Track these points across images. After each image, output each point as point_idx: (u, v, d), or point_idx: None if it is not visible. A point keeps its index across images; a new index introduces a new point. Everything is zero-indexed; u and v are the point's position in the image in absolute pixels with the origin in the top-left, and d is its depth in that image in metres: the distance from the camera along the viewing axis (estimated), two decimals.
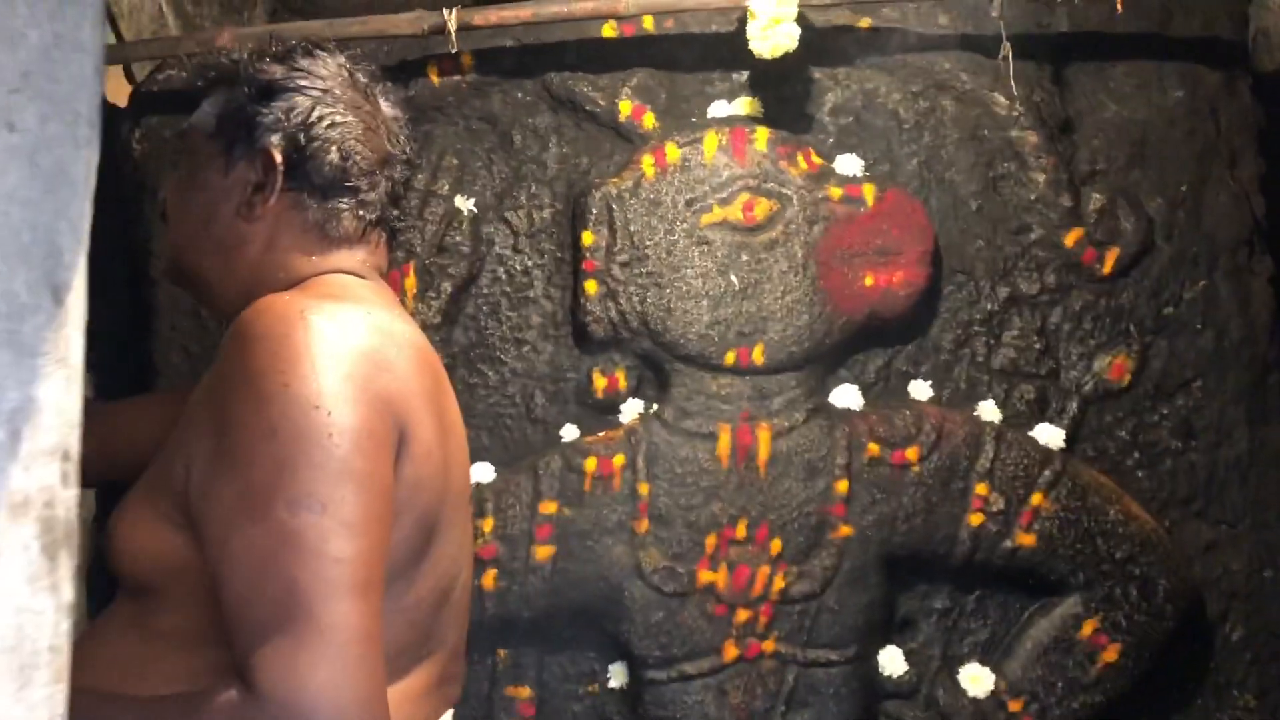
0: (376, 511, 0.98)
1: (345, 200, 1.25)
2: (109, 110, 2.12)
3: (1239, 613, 1.95)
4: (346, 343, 1.06)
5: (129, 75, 2.23)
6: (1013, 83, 1.90)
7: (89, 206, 0.87)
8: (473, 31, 1.87)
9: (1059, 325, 1.97)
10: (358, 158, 1.26)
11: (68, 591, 0.86)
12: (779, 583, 1.85)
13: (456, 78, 1.97)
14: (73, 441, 0.85)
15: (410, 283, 1.94)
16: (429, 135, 1.98)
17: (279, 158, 1.23)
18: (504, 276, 1.97)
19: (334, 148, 1.24)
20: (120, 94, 2.12)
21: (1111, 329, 1.96)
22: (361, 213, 1.26)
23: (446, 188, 1.97)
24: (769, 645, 1.85)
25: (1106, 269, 1.96)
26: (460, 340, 1.96)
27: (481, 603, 1.86)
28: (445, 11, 1.76)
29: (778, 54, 1.77)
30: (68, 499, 0.85)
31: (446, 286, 1.94)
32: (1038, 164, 1.97)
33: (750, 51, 1.81)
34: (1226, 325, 1.97)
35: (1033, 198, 1.97)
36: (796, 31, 1.76)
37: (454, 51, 1.77)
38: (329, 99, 1.26)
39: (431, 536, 1.11)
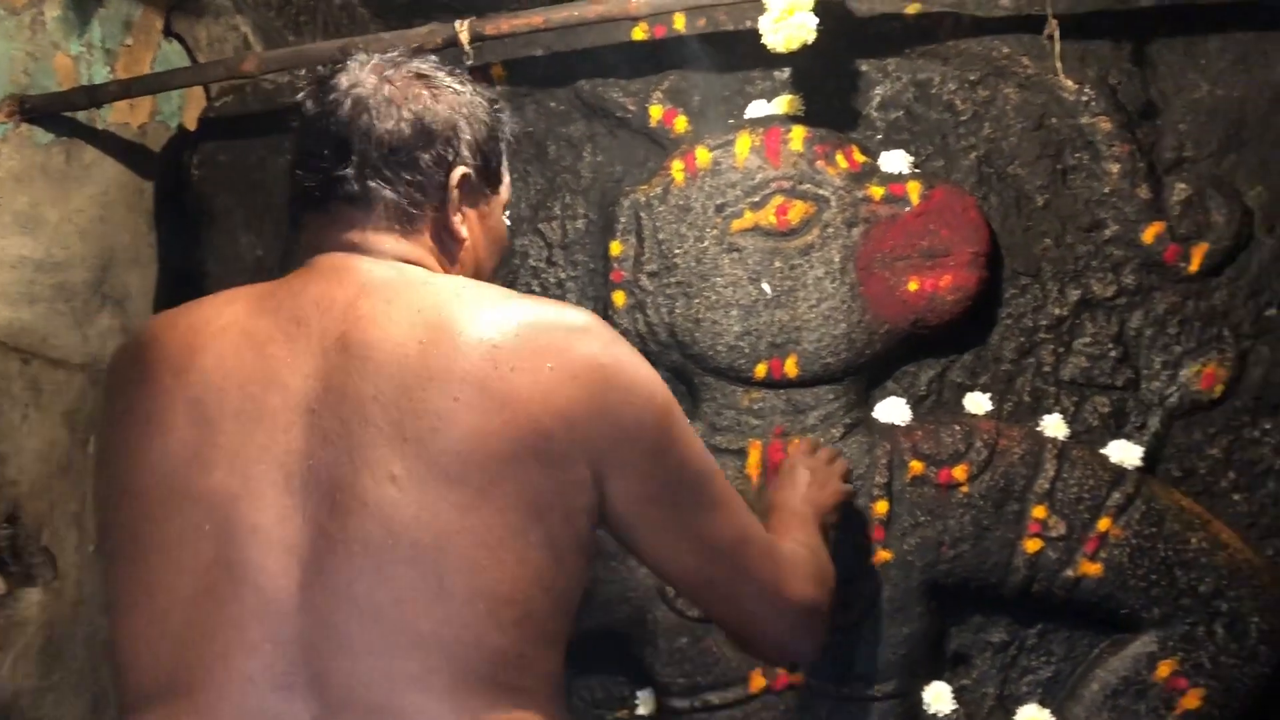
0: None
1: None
2: (182, 135, 2.21)
3: None
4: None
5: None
6: (1059, 64, 1.72)
7: None
8: (499, 41, 1.84)
9: (1139, 330, 1.77)
10: None
11: None
12: None
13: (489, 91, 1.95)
14: None
15: None
16: None
17: None
18: (538, 290, 1.93)
19: None
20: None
21: (1201, 334, 1.75)
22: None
23: None
24: (798, 677, 1.73)
25: (1193, 267, 1.75)
26: None
27: None
28: (458, 23, 1.74)
29: (793, 47, 1.66)
30: None
31: None
32: (1111, 153, 1.78)
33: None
34: None
35: (1106, 190, 1.78)
36: (812, 22, 1.65)
37: (470, 63, 1.75)
38: None
39: (138, 517, 1.07)
